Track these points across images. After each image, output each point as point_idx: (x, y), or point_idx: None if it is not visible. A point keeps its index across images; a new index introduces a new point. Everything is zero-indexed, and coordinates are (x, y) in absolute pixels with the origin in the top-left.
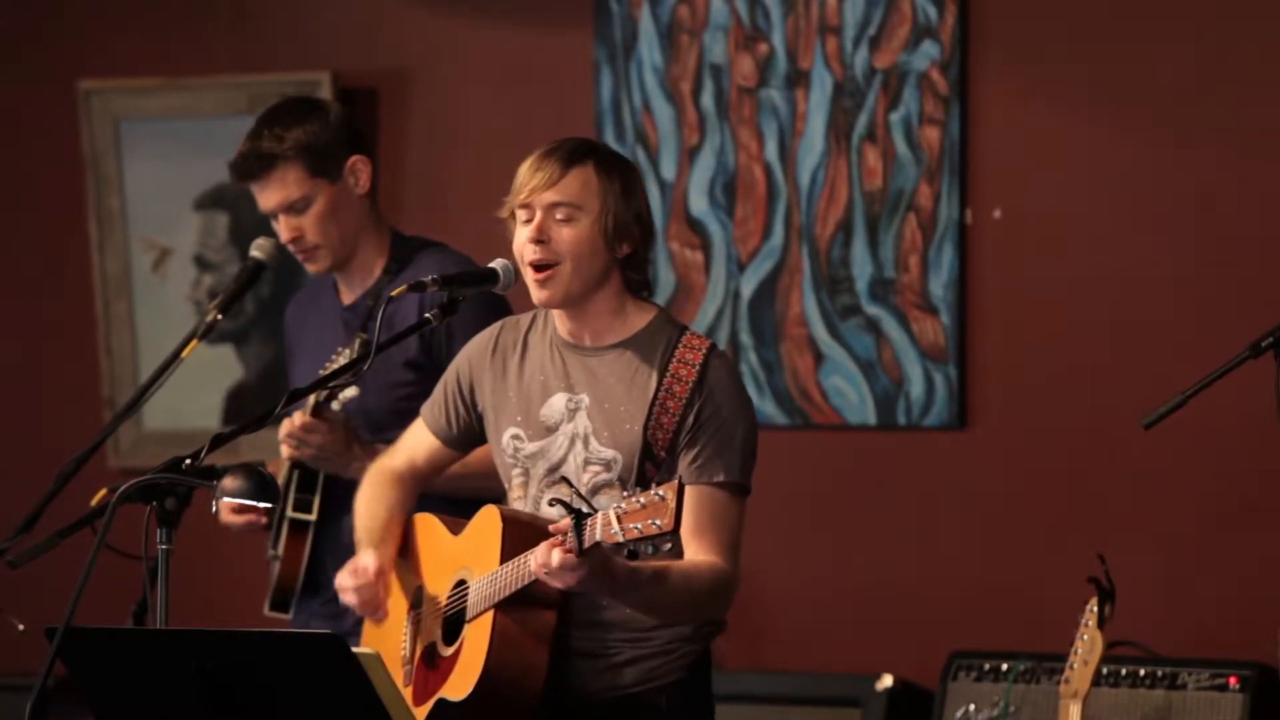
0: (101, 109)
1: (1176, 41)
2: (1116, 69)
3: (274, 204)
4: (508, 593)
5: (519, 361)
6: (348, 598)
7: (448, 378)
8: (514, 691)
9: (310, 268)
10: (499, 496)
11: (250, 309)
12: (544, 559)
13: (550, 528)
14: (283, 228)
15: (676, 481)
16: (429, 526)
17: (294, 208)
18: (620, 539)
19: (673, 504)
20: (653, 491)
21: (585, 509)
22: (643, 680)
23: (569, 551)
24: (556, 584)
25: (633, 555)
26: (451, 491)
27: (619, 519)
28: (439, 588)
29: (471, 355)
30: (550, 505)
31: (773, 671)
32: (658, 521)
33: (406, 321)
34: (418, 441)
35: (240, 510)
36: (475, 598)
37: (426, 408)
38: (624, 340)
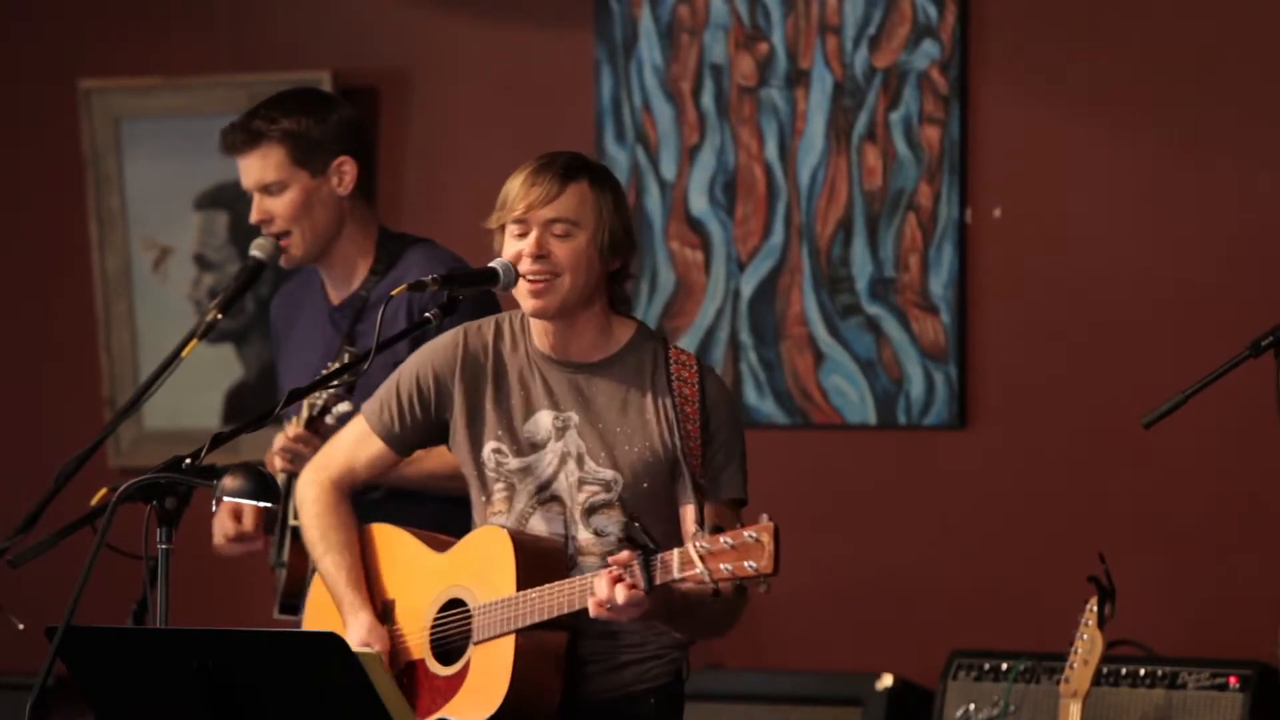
0: (102, 108)
1: (1176, 41)
2: (1116, 69)
3: (250, 181)
4: (537, 619)
5: (492, 374)
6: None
7: (402, 381)
8: (532, 713)
9: (282, 259)
10: (464, 495)
11: (250, 308)
12: (606, 595)
13: (610, 559)
14: (254, 208)
15: (770, 523)
16: (391, 539)
17: (268, 190)
18: (707, 579)
19: (770, 547)
20: (745, 533)
21: (650, 545)
22: (637, 681)
23: (634, 587)
24: (617, 619)
25: (717, 595)
26: (422, 488)
27: (702, 558)
28: (418, 604)
29: (436, 363)
30: (620, 543)
31: (773, 671)
32: (753, 564)
33: (396, 320)
34: (359, 446)
35: (239, 539)
36: (486, 620)
37: (373, 412)
38: (609, 357)
